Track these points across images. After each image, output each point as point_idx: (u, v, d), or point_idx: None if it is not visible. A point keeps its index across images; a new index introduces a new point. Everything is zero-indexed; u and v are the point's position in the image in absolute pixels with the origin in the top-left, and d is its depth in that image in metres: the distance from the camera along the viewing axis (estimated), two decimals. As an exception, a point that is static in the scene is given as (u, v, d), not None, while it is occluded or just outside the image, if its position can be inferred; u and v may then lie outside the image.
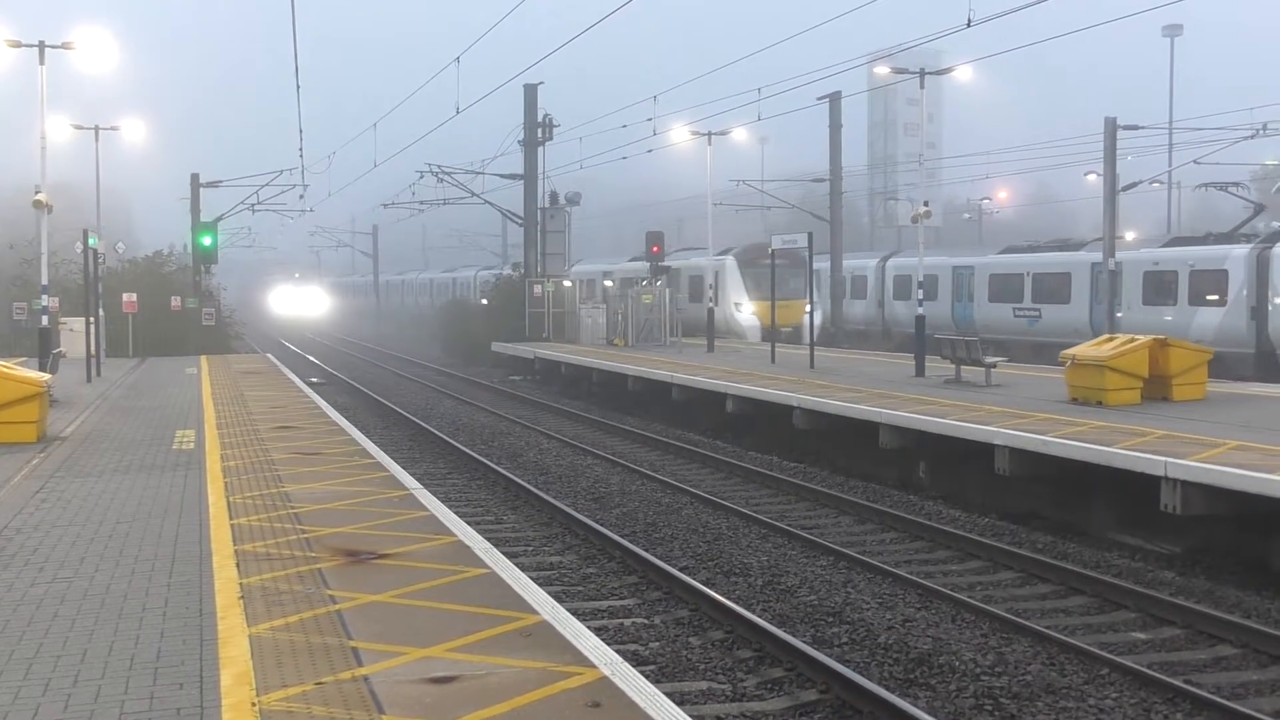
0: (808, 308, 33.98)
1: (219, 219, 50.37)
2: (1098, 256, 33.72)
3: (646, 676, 7.54)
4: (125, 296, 38.79)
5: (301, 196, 54.15)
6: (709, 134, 37.56)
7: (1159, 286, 32.33)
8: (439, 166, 47.44)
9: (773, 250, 32.33)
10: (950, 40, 25.74)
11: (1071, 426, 16.72)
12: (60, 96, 33.25)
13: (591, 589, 13.27)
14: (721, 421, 25.84)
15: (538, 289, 44.15)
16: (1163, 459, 13.81)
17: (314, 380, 37.25)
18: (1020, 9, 21.69)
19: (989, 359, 23.16)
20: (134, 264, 48.41)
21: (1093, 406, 18.98)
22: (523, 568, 10.96)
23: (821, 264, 40.35)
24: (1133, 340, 19.86)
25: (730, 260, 42.38)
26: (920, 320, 26.27)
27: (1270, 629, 11.22)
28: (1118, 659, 10.41)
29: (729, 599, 12.24)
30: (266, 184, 50.44)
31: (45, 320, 27.07)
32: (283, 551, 9.90)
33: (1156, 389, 19.52)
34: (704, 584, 12.98)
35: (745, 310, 42.00)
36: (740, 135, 42.20)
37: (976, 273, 39.84)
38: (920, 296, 27.12)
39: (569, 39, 28.73)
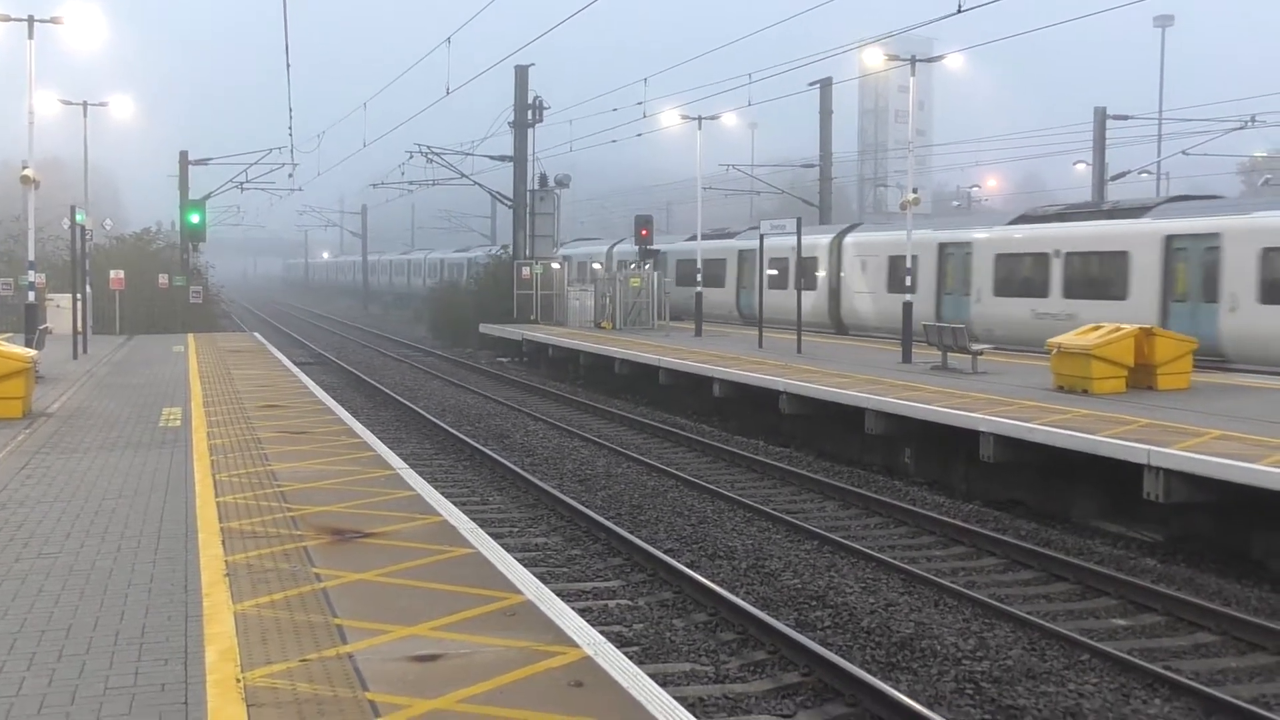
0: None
1: (207, 197, 50.21)
2: (746, 244, 40.02)
3: (629, 657, 7.58)
4: (112, 273, 38.67)
5: (291, 175, 53.98)
6: (699, 118, 37.44)
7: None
8: (428, 147, 47.32)
9: (761, 235, 32.37)
10: (942, 27, 25.77)
11: (1056, 414, 16.79)
12: (49, 72, 33.02)
13: (576, 570, 13.31)
14: (708, 405, 25.88)
15: (525, 271, 44.10)
16: (1146, 447, 13.88)
17: (301, 360, 37.18)
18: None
19: (975, 346, 23.23)
20: (121, 241, 48.26)
21: (1078, 395, 19.06)
22: (508, 548, 11.00)
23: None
24: (1119, 329, 19.94)
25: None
26: (907, 307, 26.30)
27: (1249, 616, 11.32)
28: (1098, 645, 10.49)
29: (713, 581, 12.29)
30: (255, 162, 50.33)
31: (31, 296, 26.99)
32: (268, 529, 9.91)
33: (1141, 378, 19.60)
34: (688, 566, 13.04)
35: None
36: (730, 120, 42.04)
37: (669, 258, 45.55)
38: (909, 283, 27.07)
39: (560, 20, 28.67)
